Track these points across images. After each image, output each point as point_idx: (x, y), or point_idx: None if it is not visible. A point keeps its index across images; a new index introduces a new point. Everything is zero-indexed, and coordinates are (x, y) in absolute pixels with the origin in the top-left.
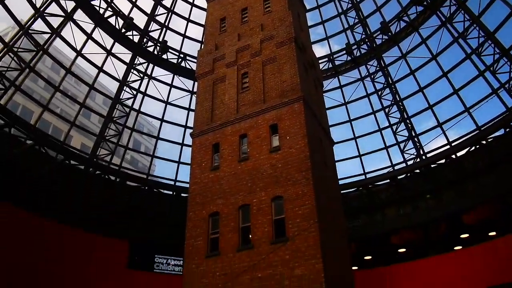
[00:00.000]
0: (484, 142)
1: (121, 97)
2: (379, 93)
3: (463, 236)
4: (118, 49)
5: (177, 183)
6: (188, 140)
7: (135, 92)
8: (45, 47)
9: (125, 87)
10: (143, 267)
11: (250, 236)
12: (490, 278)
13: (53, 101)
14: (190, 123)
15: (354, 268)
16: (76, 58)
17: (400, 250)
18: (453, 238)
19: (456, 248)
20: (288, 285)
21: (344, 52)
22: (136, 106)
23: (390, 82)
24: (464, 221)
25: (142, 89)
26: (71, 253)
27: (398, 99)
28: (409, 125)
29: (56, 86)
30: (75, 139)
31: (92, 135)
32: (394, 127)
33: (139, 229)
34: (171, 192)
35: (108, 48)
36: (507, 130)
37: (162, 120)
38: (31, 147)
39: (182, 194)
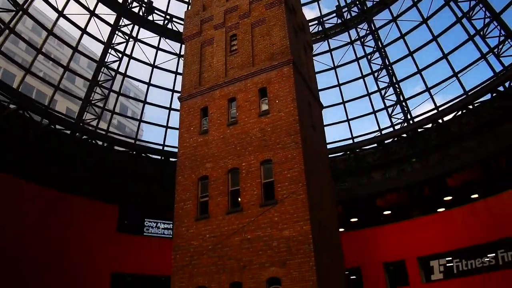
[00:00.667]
0: (471, 107)
1: (106, 60)
2: (369, 57)
3: (446, 198)
4: (102, 10)
5: (166, 148)
6: (176, 105)
7: (120, 55)
8: (24, 7)
9: (110, 49)
10: (133, 231)
11: (239, 199)
12: (470, 238)
13: (36, 64)
14: (178, 87)
15: (340, 230)
16: (58, 19)
17: (385, 213)
18: (436, 201)
19: (439, 210)
20: (277, 246)
21: (334, 14)
22: (122, 70)
23: (380, 46)
24: (448, 184)
25: (128, 52)
26: (60, 217)
27: (387, 63)
28: (398, 90)
29: (38, 49)
30: (60, 103)
31: (78, 99)
32: (383, 92)
33: (128, 194)
34: (159, 157)
35: (91, 8)
36: (494, 95)
37: (149, 84)
38: (14, 112)
39: (171, 159)
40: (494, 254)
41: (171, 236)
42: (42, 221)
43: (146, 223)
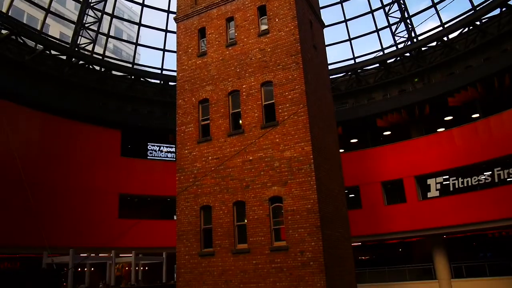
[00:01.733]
0: (478, 23)
1: None
2: None
3: (447, 118)
4: None
5: (164, 72)
6: (172, 26)
7: None
8: None
9: None
10: (136, 155)
11: (241, 121)
12: (468, 157)
13: None
14: (173, 7)
15: (340, 150)
16: None
17: (385, 133)
18: (437, 121)
19: (439, 130)
20: (278, 166)
21: None
22: None
23: None
24: (449, 103)
25: None
26: (64, 144)
27: None
28: (402, 6)
29: None
30: (52, 28)
31: (70, 22)
32: (387, 8)
33: (130, 119)
34: (158, 81)
35: None
36: (503, 9)
37: (142, 4)
38: (7, 37)
39: (170, 83)
40: (490, 172)
41: (174, 159)
42: (46, 148)
43: (149, 147)
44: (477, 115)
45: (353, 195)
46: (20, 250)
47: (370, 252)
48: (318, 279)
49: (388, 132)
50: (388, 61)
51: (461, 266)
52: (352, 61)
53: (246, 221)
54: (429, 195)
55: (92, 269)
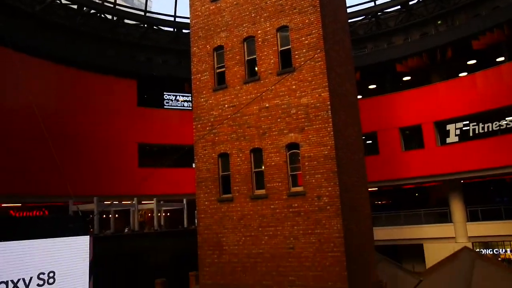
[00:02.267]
0: None
1: None
2: None
3: (470, 62)
4: None
5: (177, 19)
6: None
7: None
8: None
9: None
10: (153, 104)
11: (256, 68)
12: (490, 102)
13: None
14: None
15: (358, 97)
16: None
17: (405, 78)
18: (459, 65)
19: (461, 74)
20: (295, 113)
21: None
22: None
23: None
24: (473, 47)
25: None
26: (82, 95)
27: None
28: None
29: None
30: None
31: None
32: None
33: (144, 68)
34: (171, 29)
35: None
36: None
37: None
38: None
39: (184, 30)
40: None
41: (190, 108)
42: (65, 100)
43: (166, 97)
44: (502, 58)
45: (370, 141)
46: (47, 199)
47: (387, 197)
48: (334, 222)
49: (408, 78)
50: (410, 3)
51: (477, 210)
52: (372, 3)
53: (263, 167)
54: (448, 140)
55: (116, 215)
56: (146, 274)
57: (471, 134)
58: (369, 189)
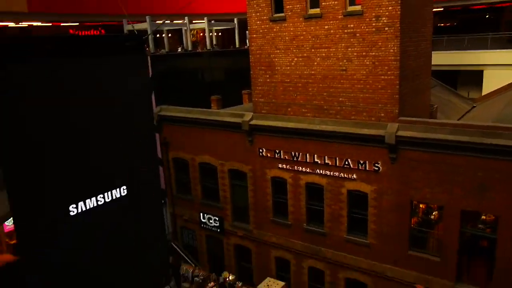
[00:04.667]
0: None
1: None
2: None
3: None
4: None
5: None
6: None
7: None
8: None
9: None
10: None
11: None
12: None
13: None
14: None
15: None
16: None
17: None
18: None
19: None
20: None
21: None
22: None
23: None
24: None
25: None
26: None
27: None
28: None
29: None
30: None
31: None
32: None
33: None
34: None
35: None
36: None
37: None
38: None
39: None
40: None
41: None
42: None
43: None
44: None
45: None
46: (102, 18)
47: (452, 18)
48: (392, 45)
49: None
50: None
51: None
52: None
53: None
54: None
55: (170, 35)
56: (202, 91)
57: None
58: (433, 10)
